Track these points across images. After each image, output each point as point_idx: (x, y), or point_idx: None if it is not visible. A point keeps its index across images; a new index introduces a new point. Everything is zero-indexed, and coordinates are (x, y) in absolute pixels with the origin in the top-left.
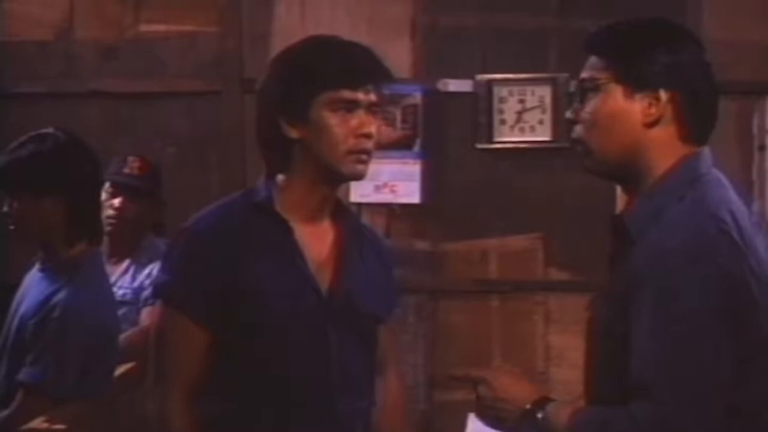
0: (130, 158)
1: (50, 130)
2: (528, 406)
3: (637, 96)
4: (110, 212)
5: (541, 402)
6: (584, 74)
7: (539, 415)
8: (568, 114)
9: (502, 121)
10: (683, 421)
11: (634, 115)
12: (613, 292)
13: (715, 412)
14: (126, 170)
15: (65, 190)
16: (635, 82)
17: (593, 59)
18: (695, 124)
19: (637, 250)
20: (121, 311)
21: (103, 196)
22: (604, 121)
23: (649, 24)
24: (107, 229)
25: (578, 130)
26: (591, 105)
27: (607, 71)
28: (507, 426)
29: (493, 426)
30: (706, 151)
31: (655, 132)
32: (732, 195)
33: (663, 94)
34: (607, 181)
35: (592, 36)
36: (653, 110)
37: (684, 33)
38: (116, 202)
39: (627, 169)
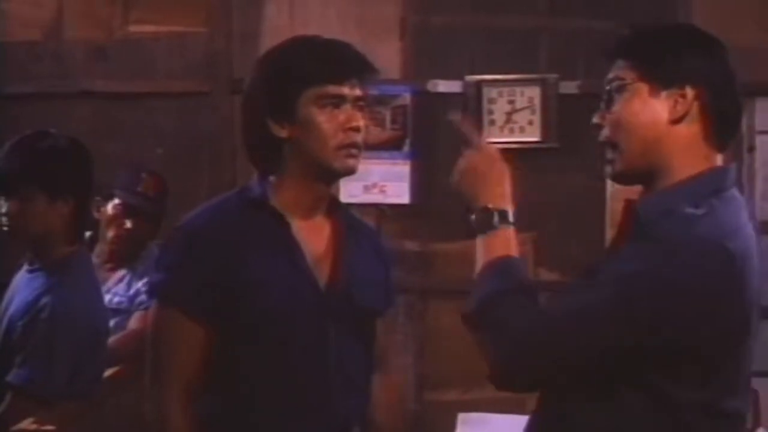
0: (143, 174)
1: (53, 130)
2: (491, 206)
3: (663, 94)
4: (120, 232)
5: (504, 212)
6: (610, 77)
7: (495, 221)
8: (595, 119)
9: (492, 122)
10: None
11: (660, 112)
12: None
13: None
14: (139, 189)
15: (75, 191)
16: (661, 80)
17: (619, 62)
18: (720, 125)
19: (637, 243)
20: (115, 319)
21: (110, 210)
22: (631, 119)
23: (674, 27)
24: (113, 246)
25: (605, 132)
26: (617, 105)
27: (632, 71)
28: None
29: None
30: (732, 168)
31: (681, 129)
32: (745, 217)
33: (689, 91)
34: (631, 185)
35: (616, 41)
36: (679, 107)
37: (710, 37)
38: (128, 224)
39: (651, 169)
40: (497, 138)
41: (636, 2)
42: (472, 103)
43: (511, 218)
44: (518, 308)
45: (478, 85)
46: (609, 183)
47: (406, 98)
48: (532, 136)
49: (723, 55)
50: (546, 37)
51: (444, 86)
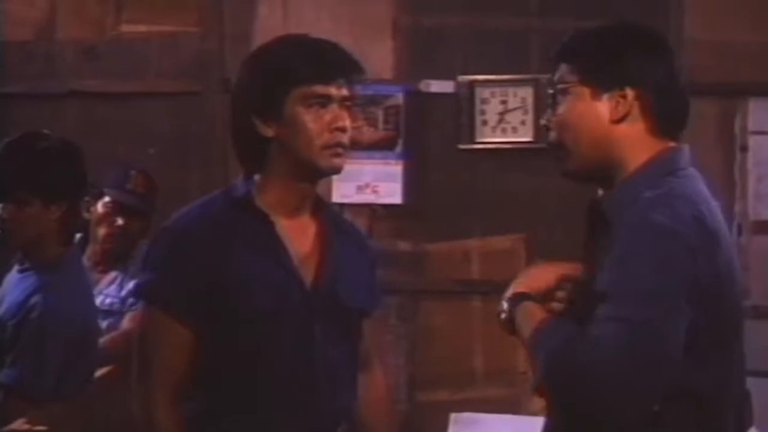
0: (132, 172)
1: (46, 132)
2: (509, 294)
3: (605, 96)
4: (112, 230)
5: (520, 294)
6: (554, 80)
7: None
8: (543, 121)
9: (484, 122)
10: (646, 333)
11: (602, 113)
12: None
13: (674, 335)
14: (129, 186)
15: (69, 195)
16: (601, 83)
17: (562, 66)
18: (665, 120)
19: (614, 231)
20: (108, 321)
21: (101, 209)
22: (574, 122)
23: (614, 28)
24: (106, 246)
25: (552, 135)
26: (562, 108)
27: (574, 75)
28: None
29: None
30: (685, 148)
31: (624, 128)
32: (707, 192)
33: (629, 92)
34: (587, 184)
35: (559, 46)
36: (620, 108)
37: (653, 35)
38: (120, 221)
39: (602, 167)
40: (489, 138)
41: (626, 2)
42: (464, 104)
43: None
44: (588, 352)
45: (471, 85)
46: None
47: (399, 98)
48: (525, 137)
49: (665, 52)
50: (538, 38)
51: (436, 86)
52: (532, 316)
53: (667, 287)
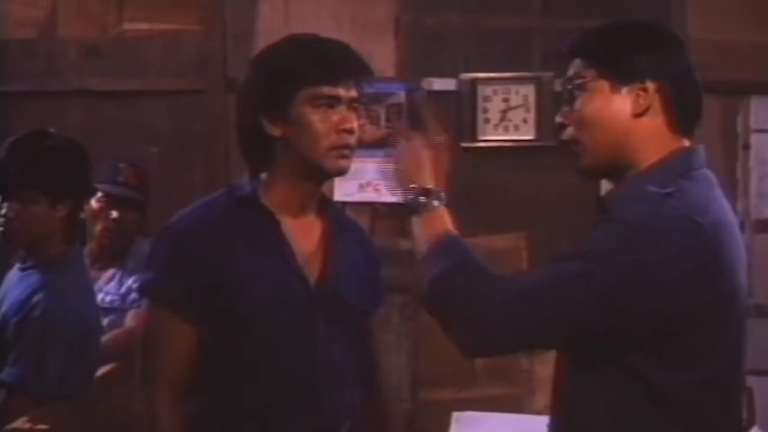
0: (122, 165)
1: (51, 130)
2: (429, 187)
3: (624, 89)
4: (107, 224)
5: (439, 192)
6: (569, 75)
7: (422, 200)
8: (558, 118)
9: (487, 120)
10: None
11: (622, 107)
12: None
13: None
14: (120, 179)
15: (74, 193)
16: (621, 76)
17: (576, 62)
18: (683, 114)
19: (604, 222)
20: (108, 318)
21: (95, 205)
22: (594, 117)
23: (628, 24)
24: (103, 241)
25: (569, 131)
26: (579, 104)
27: (591, 69)
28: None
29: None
30: (700, 149)
31: (645, 122)
32: (718, 194)
33: (650, 85)
34: (592, 182)
35: (572, 42)
36: (642, 101)
37: (665, 31)
38: (114, 214)
39: (617, 162)
40: (492, 136)
41: (629, 1)
42: (466, 102)
43: (444, 199)
44: (485, 278)
45: (473, 83)
46: (604, 182)
47: (401, 96)
48: (527, 135)
49: (680, 47)
50: (540, 36)
51: (439, 84)
52: (432, 226)
53: (598, 291)
